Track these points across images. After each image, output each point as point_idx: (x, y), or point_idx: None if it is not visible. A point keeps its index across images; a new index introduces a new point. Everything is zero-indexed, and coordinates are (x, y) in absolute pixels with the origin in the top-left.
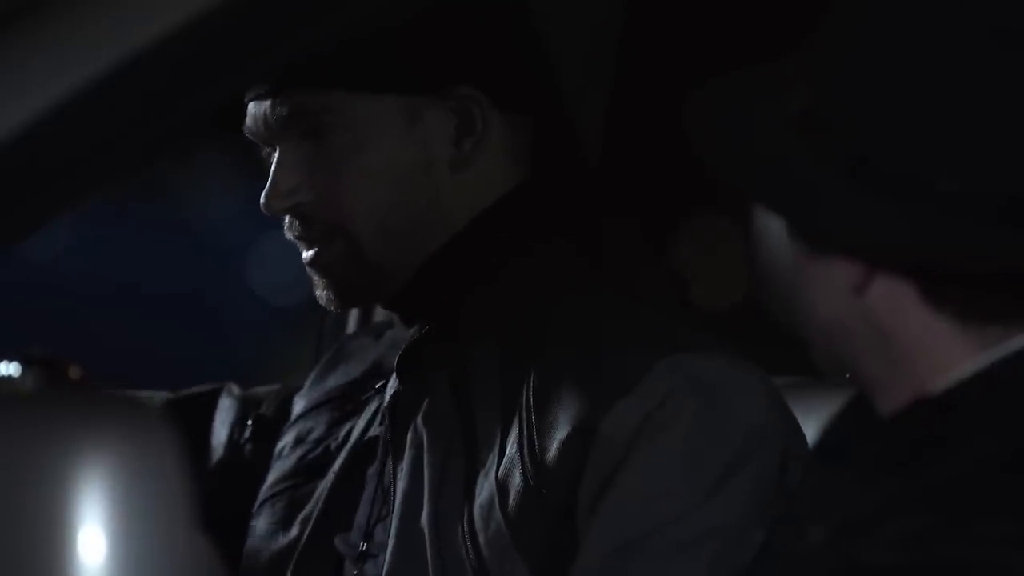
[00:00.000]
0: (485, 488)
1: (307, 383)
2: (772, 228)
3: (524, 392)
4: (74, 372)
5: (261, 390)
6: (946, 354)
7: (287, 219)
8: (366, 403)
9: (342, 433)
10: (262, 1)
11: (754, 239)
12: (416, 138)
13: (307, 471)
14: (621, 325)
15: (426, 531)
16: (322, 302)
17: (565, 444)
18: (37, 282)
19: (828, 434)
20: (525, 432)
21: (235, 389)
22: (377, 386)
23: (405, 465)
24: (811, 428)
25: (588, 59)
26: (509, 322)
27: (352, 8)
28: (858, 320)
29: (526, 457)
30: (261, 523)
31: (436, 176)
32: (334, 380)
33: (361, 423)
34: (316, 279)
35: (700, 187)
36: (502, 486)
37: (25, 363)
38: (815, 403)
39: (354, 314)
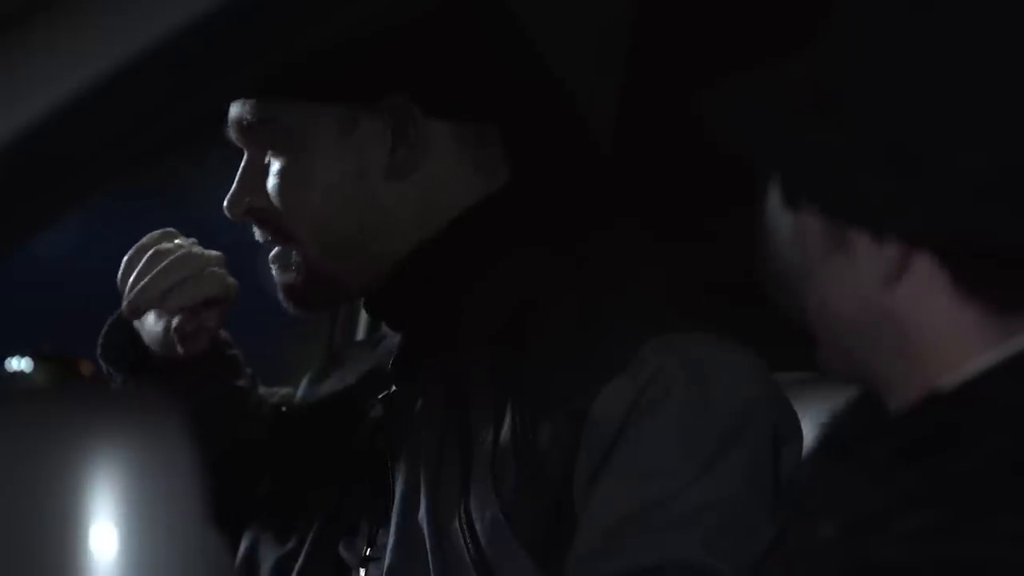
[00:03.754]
0: (480, 479)
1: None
2: (792, 219)
3: (516, 381)
4: (85, 368)
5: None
6: (966, 347)
7: (253, 222)
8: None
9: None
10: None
11: (770, 232)
12: (350, 146)
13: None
14: (609, 311)
15: (424, 527)
16: (280, 300)
17: (557, 427)
18: (47, 280)
19: (837, 430)
20: (518, 419)
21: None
22: (379, 396)
23: (402, 465)
24: (816, 424)
25: (599, 55)
26: (498, 320)
27: (360, 5)
28: (879, 314)
29: (519, 443)
30: (256, 531)
31: (371, 184)
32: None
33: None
34: (276, 279)
35: (713, 180)
36: (497, 475)
37: (37, 359)
38: (820, 399)
39: (364, 316)
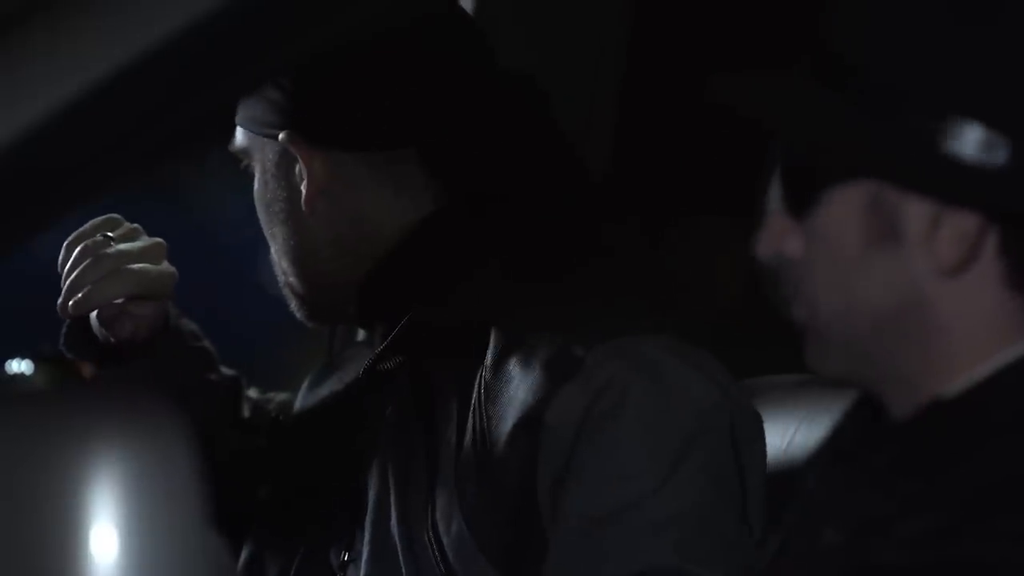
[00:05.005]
0: (444, 491)
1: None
2: (821, 212)
3: (476, 390)
4: (86, 370)
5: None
6: (994, 342)
7: None
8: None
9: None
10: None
11: (776, 230)
12: (280, 175)
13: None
14: (560, 319)
15: (396, 537)
16: None
17: (513, 436)
18: (48, 281)
19: (839, 435)
20: (477, 428)
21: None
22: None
23: (373, 473)
24: (814, 427)
25: (599, 60)
26: (458, 330)
27: (361, 6)
28: (917, 308)
29: (479, 453)
30: (258, 537)
31: (295, 212)
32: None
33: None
34: None
35: (704, 189)
36: (460, 486)
37: (37, 361)
38: (816, 402)
39: None
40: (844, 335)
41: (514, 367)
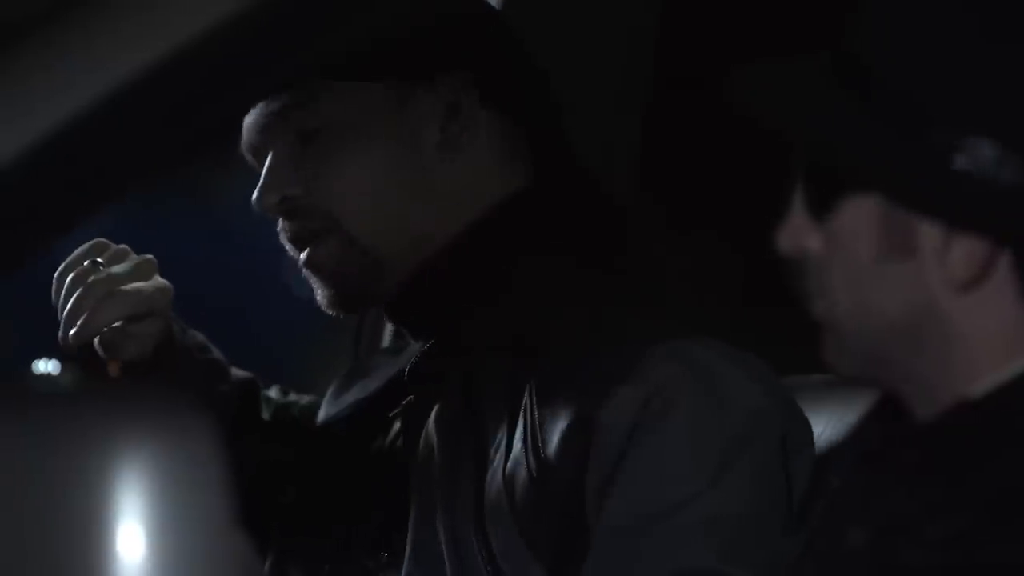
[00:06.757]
0: (493, 489)
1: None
2: (837, 221)
3: (528, 390)
4: (112, 369)
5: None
6: (1012, 351)
7: (280, 222)
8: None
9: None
10: (290, 3)
11: (799, 233)
12: (404, 121)
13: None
14: (618, 320)
15: (441, 537)
16: (322, 306)
17: (566, 435)
18: None
19: (862, 435)
20: (529, 428)
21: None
22: (402, 403)
23: (418, 474)
24: (837, 427)
25: (625, 68)
26: (514, 328)
27: (378, 5)
28: (932, 319)
29: (530, 452)
30: (284, 541)
31: (424, 157)
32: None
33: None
34: (314, 281)
35: (733, 191)
36: (509, 485)
37: (64, 361)
38: (841, 402)
39: (389, 324)
40: (859, 336)
41: (569, 367)
